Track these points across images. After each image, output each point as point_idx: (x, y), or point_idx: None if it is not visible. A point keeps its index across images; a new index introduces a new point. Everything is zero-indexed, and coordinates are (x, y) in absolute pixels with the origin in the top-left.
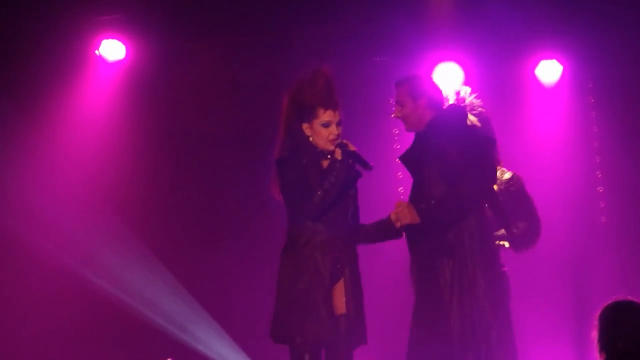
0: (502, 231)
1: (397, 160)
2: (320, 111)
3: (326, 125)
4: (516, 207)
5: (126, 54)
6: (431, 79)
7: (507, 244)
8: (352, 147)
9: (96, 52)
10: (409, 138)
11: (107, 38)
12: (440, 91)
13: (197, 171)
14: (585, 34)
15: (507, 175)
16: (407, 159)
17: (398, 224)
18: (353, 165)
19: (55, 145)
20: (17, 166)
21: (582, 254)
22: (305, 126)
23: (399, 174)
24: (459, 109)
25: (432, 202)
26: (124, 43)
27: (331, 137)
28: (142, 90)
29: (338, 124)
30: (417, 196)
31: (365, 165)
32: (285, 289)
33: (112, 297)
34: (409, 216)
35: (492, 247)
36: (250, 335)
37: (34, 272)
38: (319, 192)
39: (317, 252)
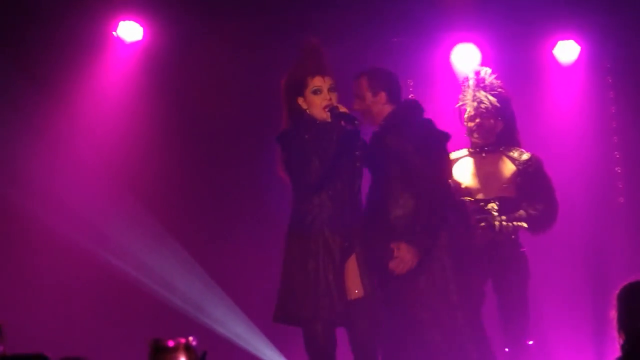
0: (521, 212)
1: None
2: (309, 79)
3: (316, 92)
4: (534, 188)
5: (143, 35)
6: (391, 72)
7: (525, 225)
8: (342, 109)
9: (114, 33)
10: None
11: (125, 19)
12: (399, 85)
13: (215, 152)
14: (603, 13)
15: (525, 156)
16: (366, 156)
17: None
18: (346, 127)
19: (74, 126)
20: (35, 148)
21: (600, 235)
22: (300, 100)
23: None
24: (416, 104)
25: (417, 227)
26: (141, 24)
27: (324, 103)
28: (159, 72)
29: (330, 90)
30: (376, 195)
31: (352, 121)
32: (296, 269)
33: (130, 278)
34: (410, 259)
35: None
36: (267, 315)
37: (52, 254)
38: (314, 160)
39: (326, 229)
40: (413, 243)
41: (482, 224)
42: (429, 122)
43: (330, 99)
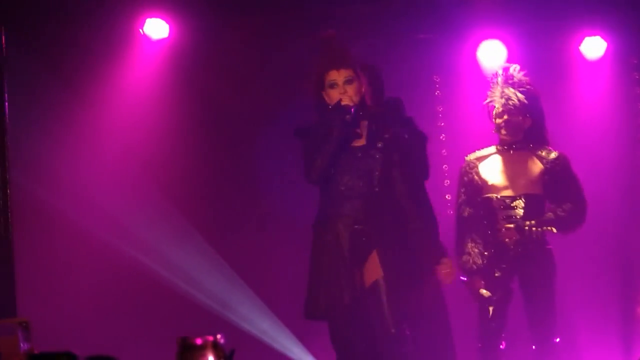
0: (550, 214)
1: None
2: (325, 74)
3: (332, 86)
4: (561, 187)
5: (170, 33)
6: (374, 68)
7: (554, 230)
8: (344, 101)
9: (140, 30)
10: (454, 117)
11: (151, 17)
12: (382, 83)
13: (242, 149)
14: (630, 9)
15: (553, 154)
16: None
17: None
18: (346, 120)
19: (100, 123)
20: (63, 145)
21: (627, 232)
22: (324, 95)
23: (443, 151)
24: (399, 103)
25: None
26: (167, 22)
27: (339, 97)
28: (185, 69)
29: (347, 82)
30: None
31: (348, 114)
32: (313, 264)
33: (156, 275)
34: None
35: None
36: (293, 311)
37: (78, 251)
38: (316, 154)
39: (340, 224)
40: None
41: (511, 225)
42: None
43: (346, 92)
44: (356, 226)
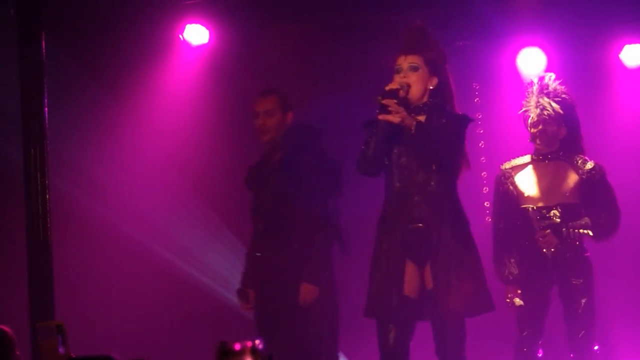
0: (586, 219)
1: None
2: (395, 60)
3: (397, 70)
4: (597, 197)
5: (209, 39)
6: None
7: (591, 233)
8: (391, 86)
9: (180, 36)
10: (493, 125)
11: (191, 23)
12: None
13: None
14: None
15: (589, 165)
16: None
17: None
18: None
19: (141, 128)
20: (104, 149)
21: None
22: None
23: (482, 158)
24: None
25: None
26: (207, 28)
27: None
28: (225, 74)
29: (411, 69)
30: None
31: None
32: (371, 263)
33: (194, 279)
34: None
35: None
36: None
37: (118, 255)
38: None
39: (397, 222)
40: None
41: (548, 230)
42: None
43: (407, 77)
44: (412, 225)
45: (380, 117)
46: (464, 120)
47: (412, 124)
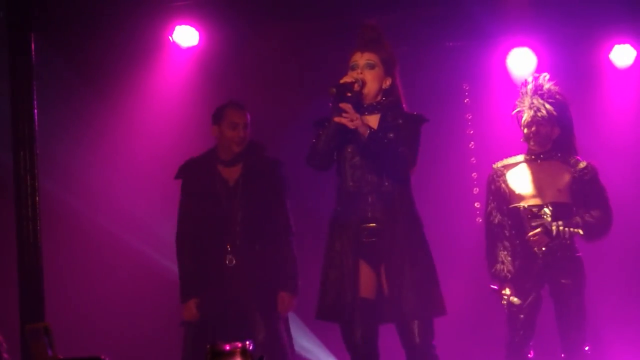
0: (577, 219)
1: None
2: (350, 57)
3: (352, 67)
4: (589, 197)
5: (199, 40)
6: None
7: (581, 232)
8: (344, 80)
9: (170, 38)
10: (483, 125)
11: (181, 24)
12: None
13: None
14: None
15: (582, 164)
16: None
17: None
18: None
19: (131, 130)
20: (94, 151)
21: None
22: None
23: (472, 159)
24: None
25: None
26: (197, 29)
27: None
28: (215, 76)
29: (367, 66)
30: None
31: (344, 92)
32: (324, 264)
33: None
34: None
35: None
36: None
37: (109, 257)
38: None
39: (349, 222)
40: None
41: (539, 229)
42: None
43: (362, 74)
44: (366, 224)
45: (336, 119)
46: (420, 120)
47: (365, 132)
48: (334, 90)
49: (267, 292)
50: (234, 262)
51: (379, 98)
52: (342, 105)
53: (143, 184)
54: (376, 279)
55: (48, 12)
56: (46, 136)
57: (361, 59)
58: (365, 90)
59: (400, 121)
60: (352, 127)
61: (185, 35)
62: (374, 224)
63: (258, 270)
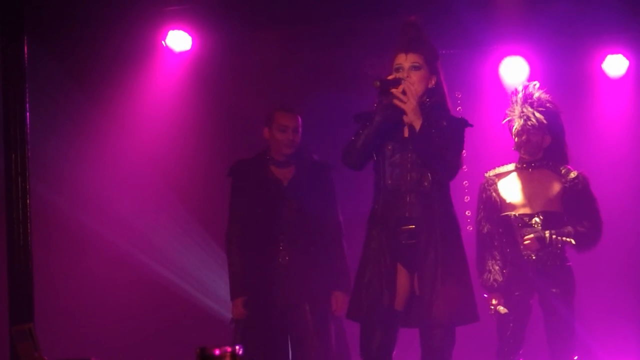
0: (569, 228)
1: None
2: (394, 58)
3: (397, 69)
4: (580, 206)
5: (192, 45)
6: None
7: (573, 241)
8: (395, 76)
9: (163, 42)
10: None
11: (174, 29)
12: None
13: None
14: None
15: (573, 174)
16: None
17: None
18: (385, 101)
19: (123, 134)
20: (86, 155)
21: None
22: None
23: (464, 167)
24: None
25: None
26: (190, 34)
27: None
28: (208, 81)
29: (413, 68)
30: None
31: (388, 89)
32: (360, 264)
33: (175, 286)
34: None
35: None
36: None
37: (99, 261)
38: (356, 136)
39: (387, 222)
40: None
41: (532, 235)
42: None
43: (409, 77)
44: (404, 226)
45: (395, 101)
46: (463, 124)
47: (419, 121)
48: (378, 83)
49: (320, 292)
50: (287, 260)
51: (424, 98)
52: (394, 91)
53: (135, 188)
54: (409, 286)
55: (41, 15)
56: (38, 139)
57: (406, 61)
58: (413, 93)
59: (445, 123)
60: (408, 110)
61: (178, 40)
62: (413, 226)
63: (311, 269)
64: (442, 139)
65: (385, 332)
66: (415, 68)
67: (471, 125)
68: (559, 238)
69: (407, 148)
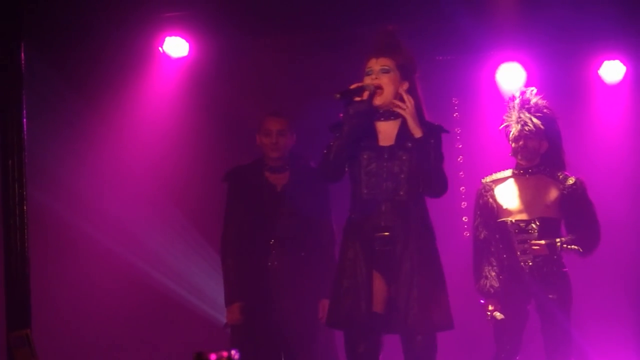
0: (572, 236)
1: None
2: (365, 63)
3: (368, 73)
4: (577, 212)
5: (189, 51)
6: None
7: (581, 249)
8: (352, 86)
9: (160, 49)
10: (472, 140)
11: (171, 35)
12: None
13: None
14: None
15: (570, 180)
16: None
17: None
18: (351, 110)
19: (121, 140)
20: (84, 161)
21: None
22: None
23: (461, 173)
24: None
25: None
26: (187, 40)
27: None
28: (204, 87)
29: (382, 71)
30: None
31: (351, 97)
32: (337, 271)
33: (170, 291)
34: None
35: None
36: None
37: (94, 264)
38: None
39: (364, 230)
40: None
41: (543, 242)
42: None
43: (377, 79)
44: (379, 233)
45: (398, 110)
46: (441, 131)
47: (419, 129)
48: (338, 95)
49: (309, 299)
50: (277, 265)
51: (396, 102)
52: (401, 101)
53: (132, 193)
54: (387, 291)
55: (38, 21)
56: (35, 145)
57: (376, 64)
58: (380, 96)
59: (424, 129)
60: (407, 116)
61: (175, 46)
62: (387, 233)
63: (301, 276)
64: (416, 149)
65: (368, 338)
66: (384, 71)
67: (447, 132)
68: (566, 246)
69: (383, 157)
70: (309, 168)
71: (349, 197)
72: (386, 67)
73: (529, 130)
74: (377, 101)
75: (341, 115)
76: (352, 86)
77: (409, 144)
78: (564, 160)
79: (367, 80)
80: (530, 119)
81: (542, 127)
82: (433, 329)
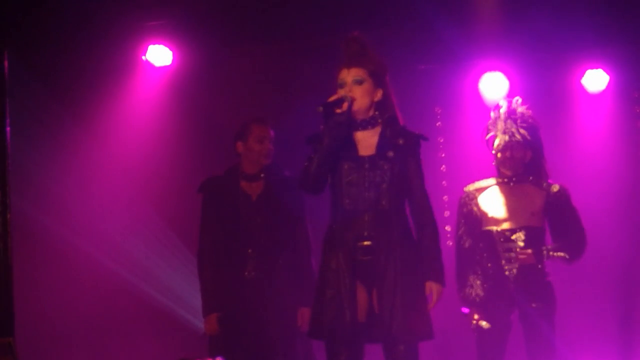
0: (558, 244)
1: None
2: (337, 75)
3: (341, 85)
4: (562, 219)
5: (173, 60)
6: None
7: (568, 256)
8: (331, 98)
9: (143, 57)
10: (455, 149)
11: (154, 44)
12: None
13: None
14: (632, 43)
15: (555, 188)
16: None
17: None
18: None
19: (103, 149)
20: (66, 170)
21: (629, 262)
22: None
23: (444, 182)
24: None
25: None
26: (170, 49)
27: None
28: (188, 96)
29: (355, 82)
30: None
31: (332, 109)
32: (319, 281)
33: (152, 299)
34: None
35: None
36: None
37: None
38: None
39: (345, 240)
40: None
41: (529, 250)
42: None
43: (352, 92)
44: (361, 243)
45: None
46: (419, 138)
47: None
48: (321, 109)
49: (286, 307)
50: (254, 275)
51: (371, 112)
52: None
53: (114, 202)
54: (368, 300)
55: (21, 30)
56: (19, 153)
57: (348, 75)
58: (356, 107)
59: (401, 141)
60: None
61: (159, 55)
62: (370, 242)
63: (278, 285)
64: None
65: (350, 349)
66: (358, 82)
67: (427, 139)
68: (552, 253)
69: (364, 167)
70: (284, 177)
71: (328, 207)
72: (359, 78)
73: (516, 141)
74: (354, 113)
75: (322, 127)
76: (331, 98)
77: (390, 153)
78: (546, 168)
79: (342, 92)
80: (518, 130)
81: (528, 137)
82: (415, 338)
